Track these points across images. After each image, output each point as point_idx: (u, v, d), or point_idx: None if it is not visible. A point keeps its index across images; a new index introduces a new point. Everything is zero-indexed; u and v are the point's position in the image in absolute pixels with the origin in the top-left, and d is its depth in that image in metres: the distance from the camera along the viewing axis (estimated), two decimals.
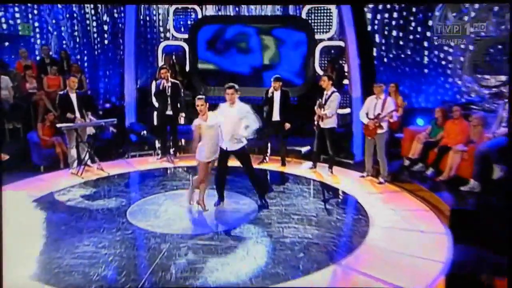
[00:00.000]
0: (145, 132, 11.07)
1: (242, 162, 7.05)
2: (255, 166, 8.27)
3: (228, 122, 6.71)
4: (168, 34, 12.93)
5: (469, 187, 7.47)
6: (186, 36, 12.84)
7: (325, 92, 8.83)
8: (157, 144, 10.63)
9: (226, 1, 11.90)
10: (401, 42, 11.15)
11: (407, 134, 9.41)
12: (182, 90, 10.14)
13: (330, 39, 12.31)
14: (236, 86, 6.83)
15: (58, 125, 8.81)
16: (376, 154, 8.52)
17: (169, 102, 9.80)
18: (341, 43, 11.68)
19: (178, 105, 9.87)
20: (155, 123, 11.31)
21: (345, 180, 8.69)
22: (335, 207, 7.26)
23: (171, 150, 10.13)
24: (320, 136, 9.07)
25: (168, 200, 7.41)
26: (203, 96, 6.71)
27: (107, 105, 12.49)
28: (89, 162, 9.15)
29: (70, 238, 5.92)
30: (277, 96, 9.40)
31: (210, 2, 11.99)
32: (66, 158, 9.25)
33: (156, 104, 10.34)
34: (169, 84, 9.79)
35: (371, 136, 8.47)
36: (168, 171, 9.45)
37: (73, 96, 8.98)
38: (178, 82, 10.09)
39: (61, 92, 9.14)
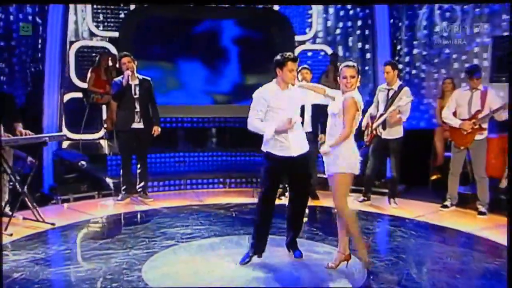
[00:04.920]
0: (83, 162, 7.13)
1: (300, 183, 4.38)
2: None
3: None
4: (83, 31, 8.44)
5: None
6: (114, 34, 8.48)
7: (384, 88, 6.34)
8: (109, 180, 6.97)
9: (224, 1, 8.42)
10: None
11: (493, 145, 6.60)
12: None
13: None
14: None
15: None
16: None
17: (137, 108, 6.36)
18: (327, 48, 9.03)
19: (151, 115, 6.51)
20: (114, 144, 7.51)
21: (419, 212, 6.13)
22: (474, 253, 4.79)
23: (139, 186, 6.59)
24: (377, 154, 6.45)
25: (210, 251, 4.58)
26: None
27: None
28: (8, 210, 5.52)
29: None
30: None
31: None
32: None
33: (117, 113, 6.62)
34: (137, 82, 6.39)
35: (465, 145, 6.00)
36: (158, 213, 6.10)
37: None
38: (149, 79, 6.59)
39: None
